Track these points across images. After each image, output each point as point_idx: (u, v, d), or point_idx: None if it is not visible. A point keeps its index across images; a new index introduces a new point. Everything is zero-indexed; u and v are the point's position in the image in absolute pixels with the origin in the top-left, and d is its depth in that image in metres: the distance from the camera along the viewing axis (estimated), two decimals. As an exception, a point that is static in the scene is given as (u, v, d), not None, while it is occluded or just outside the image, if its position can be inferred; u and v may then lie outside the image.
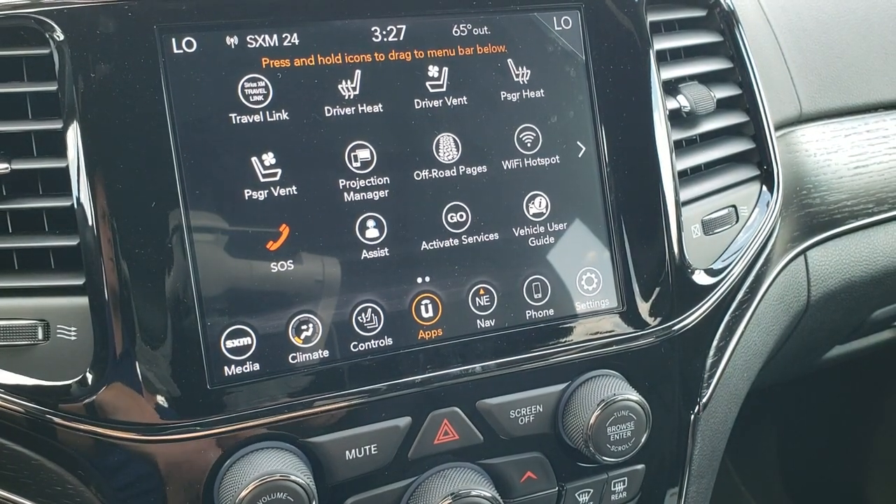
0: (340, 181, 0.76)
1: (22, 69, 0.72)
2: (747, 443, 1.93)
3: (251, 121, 0.73)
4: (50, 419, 0.71)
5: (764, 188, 1.00)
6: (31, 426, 0.72)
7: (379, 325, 0.77)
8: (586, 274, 0.84)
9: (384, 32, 0.77)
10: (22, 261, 0.73)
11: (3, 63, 0.72)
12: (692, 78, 0.96)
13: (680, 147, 0.94)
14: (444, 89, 0.79)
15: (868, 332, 1.41)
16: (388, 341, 0.77)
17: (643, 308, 0.86)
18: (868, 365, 1.66)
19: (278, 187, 0.74)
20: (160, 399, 0.71)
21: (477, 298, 0.80)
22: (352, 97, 0.76)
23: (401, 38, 0.78)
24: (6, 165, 0.71)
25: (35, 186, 0.73)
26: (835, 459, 1.93)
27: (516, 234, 0.81)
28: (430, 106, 0.79)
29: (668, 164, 0.88)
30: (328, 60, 0.76)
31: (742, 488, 1.98)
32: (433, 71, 0.79)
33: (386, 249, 0.77)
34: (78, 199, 0.70)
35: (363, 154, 0.77)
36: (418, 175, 0.78)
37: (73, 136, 0.70)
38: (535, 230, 0.82)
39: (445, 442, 0.80)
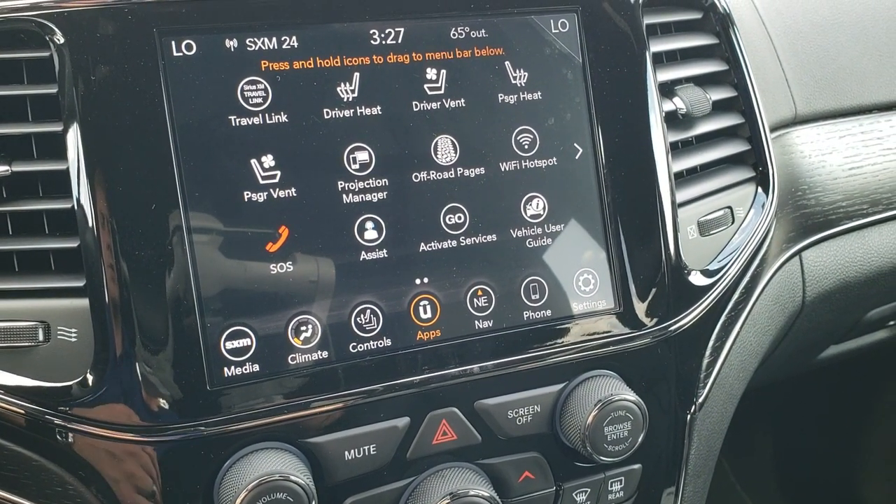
0: (339, 183, 0.76)
1: (22, 72, 0.72)
2: (743, 442, 1.94)
3: (250, 123, 0.74)
4: (50, 420, 0.72)
5: (759, 189, 1.00)
6: (31, 427, 0.73)
7: (378, 325, 0.77)
8: (583, 275, 0.84)
9: (383, 35, 0.78)
10: (22, 263, 0.73)
11: (3, 65, 0.72)
12: (688, 80, 0.96)
13: (676, 149, 0.94)
14: (442, 92, 0.80)
15: (863, 331, 1.41)
16: (387, 342, 0.77)
17: (640, 308, 0.86)
18: (863, 364, 1.67)
19: (277, 189, 0.74)
20: (160, 400, 0.71)
21: (475, 299, 0.80)
22: (350, 99, 0.77)
23: (399, 41, 0.78)
24: (6, 167, 0.71)
25: (35, 188, 0.74)
26: (830, 458, 1.94)
27: (514, 236, 0.82)
28: (429, 108, 0.79)
29: (664, 166, 0.88)
30: (327, 63, 0.76)
31: (737, 487, 1.98)
32: (431, 73, 0.79)
33: (385, 251, 0.77)
34: (78, 200, 0.71)
35: (362, 156, 0.77)
36: (417, 177, 0.79)
37: (74, 138, 0.70)
38: (533, 231, 0.82)
39: (444, 442, 0.80)
